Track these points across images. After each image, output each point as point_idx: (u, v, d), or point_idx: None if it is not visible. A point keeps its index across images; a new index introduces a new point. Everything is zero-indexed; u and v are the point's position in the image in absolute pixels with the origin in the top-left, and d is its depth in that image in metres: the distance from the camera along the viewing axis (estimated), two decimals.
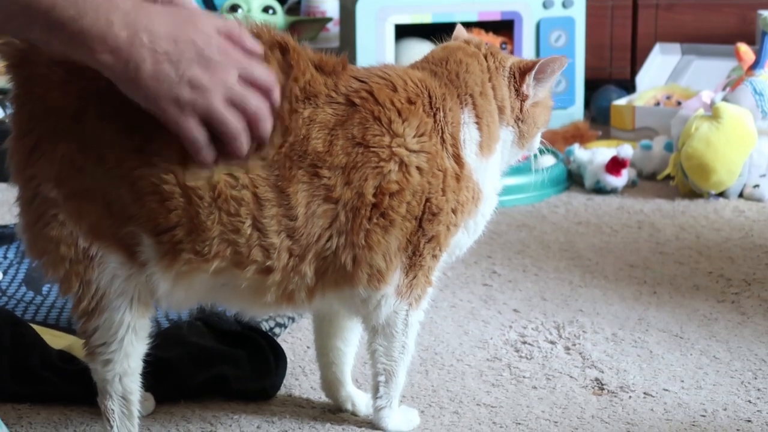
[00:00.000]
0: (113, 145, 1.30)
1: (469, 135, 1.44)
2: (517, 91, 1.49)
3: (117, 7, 1.24)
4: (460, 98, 1.44)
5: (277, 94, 1.33)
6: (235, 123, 1.30)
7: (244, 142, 1.31)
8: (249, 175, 1.32)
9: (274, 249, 1.35)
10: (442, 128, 1.41)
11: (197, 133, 1.29)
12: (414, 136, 1.38)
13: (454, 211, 1.42)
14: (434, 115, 1.41)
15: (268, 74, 1.32)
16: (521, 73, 1.49)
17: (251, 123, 1.31)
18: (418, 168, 1.38)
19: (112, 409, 1.39)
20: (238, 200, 1.32)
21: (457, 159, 1.42)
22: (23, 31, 1.26)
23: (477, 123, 1.45)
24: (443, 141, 1.41)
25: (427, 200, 1.40)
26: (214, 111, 1.28)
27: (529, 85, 1.49)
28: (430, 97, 1.41)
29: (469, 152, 1.44)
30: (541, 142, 1.56)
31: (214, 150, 1.31)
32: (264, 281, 1.36)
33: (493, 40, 3.11)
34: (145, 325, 1.38)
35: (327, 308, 1.49)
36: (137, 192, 1.31)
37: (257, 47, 1.33)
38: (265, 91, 1.32)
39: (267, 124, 1.32)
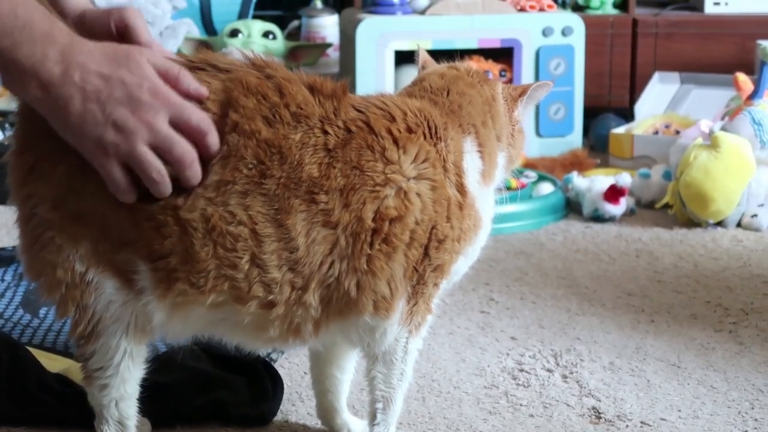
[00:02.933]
0: None
1: (472, 163, 1.44)
2: (509, 117, 1.50)
3: (54, 41, 1.22)
4: (462, 127, 1.44)
5: (212, 138, 1.30)
6: (156, 168, 1.27)
7: (165, 187, 1.29)
8: (248, 212, 1.31)
9: (276, 283, 1.33)
10: (444, 157, 1.41)
11: (118, 176, 1.27)
12: (411, 163, 1.38)
13: (458, 240, 1.42)
14: (435, 144, 1.41)
15: (202, 117, 1.29)
16: (513, 99, 1.50)
17: (176, 168, 1.28)
18: (419, 195, 1.38)
19: None
20: (234, 236, 1.31)
21: (460, 188, 1.42)
22: None
23: (480, 151, 1.45)
24: (446, 170, 1.41)
25: (433, 228, 1.39)
26: (136, 155, 1.26)
27: (520, 112, 1.50)
28: (430, 126, 1.41)
29: (472, 180, 1.44)
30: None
31: (136, 192, 1.29)
32: (267, 316, 1.35)
33: (493, 67, 3.12)
34: (142, 350, 1.38)
35: (331, 341, 1.48)
36: (134, 217, 1.31)
37: (199, 88, 1.30)
38: (198, 135, 1.29)
39: (193, 169, 1.29)
